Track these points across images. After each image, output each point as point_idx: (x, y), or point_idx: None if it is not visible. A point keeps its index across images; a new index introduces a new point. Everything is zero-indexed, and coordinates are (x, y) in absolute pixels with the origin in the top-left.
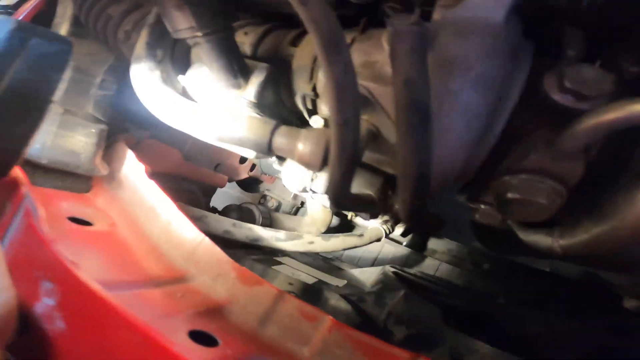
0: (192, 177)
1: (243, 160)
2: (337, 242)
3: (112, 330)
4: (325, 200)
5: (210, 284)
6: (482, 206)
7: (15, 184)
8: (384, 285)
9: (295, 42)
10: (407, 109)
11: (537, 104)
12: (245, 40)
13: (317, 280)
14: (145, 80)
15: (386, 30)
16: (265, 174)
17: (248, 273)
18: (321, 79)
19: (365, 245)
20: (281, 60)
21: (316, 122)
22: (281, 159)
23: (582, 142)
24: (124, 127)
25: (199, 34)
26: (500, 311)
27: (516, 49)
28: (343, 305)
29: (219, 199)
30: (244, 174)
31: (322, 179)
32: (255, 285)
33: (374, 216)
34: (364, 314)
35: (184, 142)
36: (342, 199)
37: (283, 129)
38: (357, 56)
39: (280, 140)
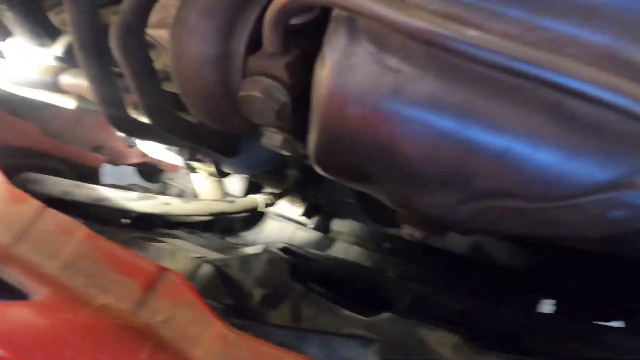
0: (58, 154)
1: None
2: (200, 205)
3: None
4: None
5: None
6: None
7: None
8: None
9: None
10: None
11: None
12: None
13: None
14: None
15: None
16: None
17: (15, 191)
18: None
19: (237, 213)
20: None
21: None
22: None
23: (275, 37)
24: None
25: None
26: (378, 281)
27: None
28: (207, 269)
29: None
30: (133, 158)
31: None
32: (20, 202)
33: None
34: (227, 278)
35: (41, 116)
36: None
37: (73, 70)
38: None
39: (66, 79)
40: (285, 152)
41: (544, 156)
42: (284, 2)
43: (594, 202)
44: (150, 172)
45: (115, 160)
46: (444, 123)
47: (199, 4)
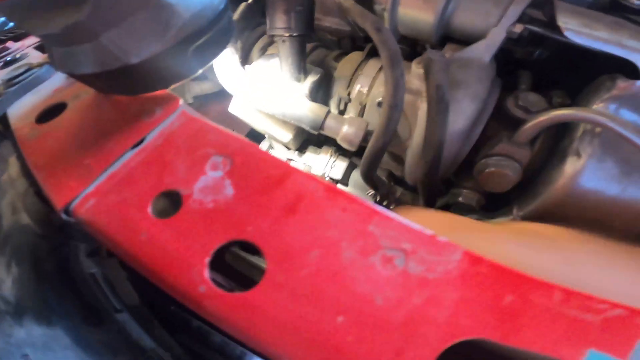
0: None
1: None
2: None
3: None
4: None
5: None
6: (464, 190)
7: (171, 96)
8: None
9: (337, 59)
10: (437, 101)
11: (502, 116)
12: None
13: None
14: (228, 61)
15: (415, 59)
16: None
17: None
18: (356, 87)
19: None
20: (325, 70)
21: None
22: (301, 151)
23: (527, 136)
24: None
25: (287, 34)
26: None
27: (493, 80)
28: None
29: None
30: None
31: (339, 167)
32: None
33: (381, 197)
34: None
35: None
36: (372, 172)
37: (333, 114)
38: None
39: (330, 122)
40: (471, 209)
41: None
42: (561, 115)
43: None
44: None
45: None
46: None
47: (471, 91)
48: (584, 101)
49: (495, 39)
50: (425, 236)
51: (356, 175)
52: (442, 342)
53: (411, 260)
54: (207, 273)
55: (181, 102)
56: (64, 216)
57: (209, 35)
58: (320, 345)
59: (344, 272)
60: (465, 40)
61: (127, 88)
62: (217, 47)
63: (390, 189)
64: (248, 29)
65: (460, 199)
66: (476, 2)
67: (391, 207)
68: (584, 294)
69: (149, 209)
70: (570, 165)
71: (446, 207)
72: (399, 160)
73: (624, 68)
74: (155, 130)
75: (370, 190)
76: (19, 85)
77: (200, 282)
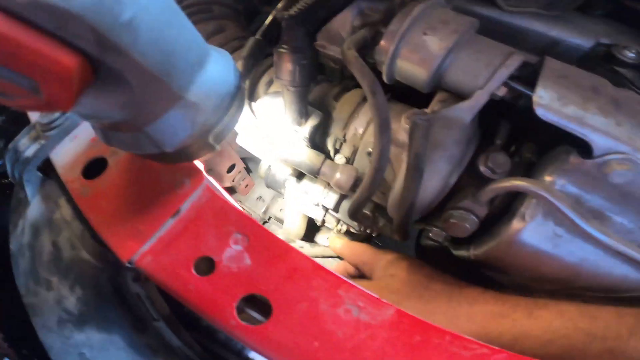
0: None
1: (230, 169)
2: (324, 250)
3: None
4: (319, 215)
5: None
6: (434, 228)
7: (196, 169)
8: None
9: (337, 97)
10: (414, 169)
11: (473, 172)
12: None
13: None
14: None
15: (405, 114)
16: (268, 187)
17: None
18: (351, 129)
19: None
20: (324, 108)
21: (340, 159)
22: (299, 177)
23: (487, 196)
24: None
25: (292, 86)
26: None
27: (471, 139)
28: None
29: None
30: (227, 183)
31: (332, 197)
32: None
33: (366, 227)
34: None
35: None
36: (358, 212)
37: (328, 162)
38: None
39: (326, 169)
40: (440, 244)
41: None
42: (514, 185)
43: None
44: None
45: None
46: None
47: (448, 153)
48: (541, 167)
49: (478, 100)
50: (373, 298)
51: (346, 205)
52: None
53: (362, 312)
54: (235, 313)
55: (204, 175)
56: (127, 265)
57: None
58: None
59: (320, 316)
60: (456, 93)
61: (161, 161)
62: (235, 123)
63: (373, 221)
64: (256, 65)
65: (430, 234)
66: (469, 63)
67: (373, 235)
68: (465, 337)
69: (192, 269)
70: (516, 224)
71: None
72: (385, 195)
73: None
74: (187, 202)
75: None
76: (58, 129)
77: (231, 318)
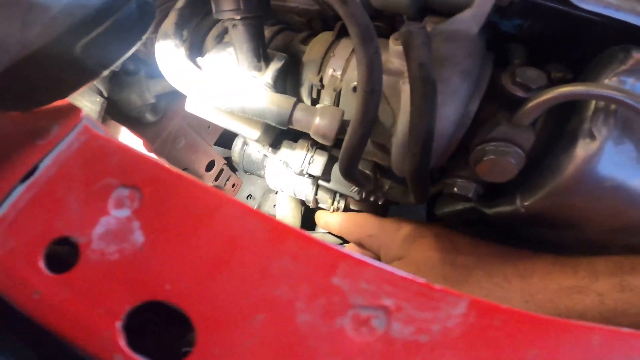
0: None
1: (209, 167)
2: (317, 237)
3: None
4: (308, 191)
5: None
6: (459, 180)
7: (71, 109)
8: None
9: (305, 42)
10: (422, 82)
11: (497, 95)
12: None
13: None
14: (171, 55)
15: (393, 35)
16: (247, 172)
17: None
18: (328, 72)
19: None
20: (291, 55)
21: None
22: (276, 147)
23: (529, 117)
24: None
25: (238, 17)
26: None
27: (484, 55)
28: None
29: None
30: (208, 182)
31: (318, 161)
32: None
33: (368, 193)
34: None
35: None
36: (353, 166)
37: (302, 105)
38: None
39: (299, 114)
40: (467, 200)
41: None
42: (571, 92)
43: None
44: None
45: None
46: None
47: (460, 67)
48: (590, 76)
49: (483, 7)
50: (415, 285)
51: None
52: None
53: (395, 320)
54: (121, 340)
55: (83, 114)
56: None
57: (104, 27)
58: None
59: (302, 342)
60: (448, 11)
61: (14, 102)
62: (123, 40)
63: (377, 182)
64: (196, 16)
65: (455, 189)
66: None
67: (380, 202)
68: (633, 332)
69: (40, 262)
70: (583, 149)
71: (438, 196)
72: (384, 149)
73: (633, 39)
74: (50, 154)
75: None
76: None
77: (113, 350)
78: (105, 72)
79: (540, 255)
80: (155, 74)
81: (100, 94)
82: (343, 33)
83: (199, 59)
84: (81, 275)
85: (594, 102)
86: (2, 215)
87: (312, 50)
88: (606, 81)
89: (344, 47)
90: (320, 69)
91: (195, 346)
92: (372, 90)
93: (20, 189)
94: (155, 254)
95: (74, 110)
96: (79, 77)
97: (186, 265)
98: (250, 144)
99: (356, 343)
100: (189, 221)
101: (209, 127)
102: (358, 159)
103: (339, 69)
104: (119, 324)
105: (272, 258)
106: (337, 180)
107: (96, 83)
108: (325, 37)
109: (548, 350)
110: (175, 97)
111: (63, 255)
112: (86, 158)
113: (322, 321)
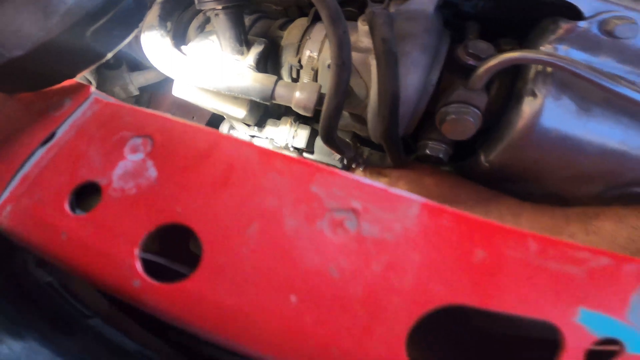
0: None
1: None
2: None
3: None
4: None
5: None
6: (430, 142)
7: (81, 85)
8: None
9: (283, 28)
10: (385, 54)
11: (455, 66)
12: None
13: None
14: (158, 44)
15: (360, 17)
16: None
17: None
18: (305, 53)
19: None
20: (270, 40)
21: None
22: (261, 126)
23: (481, 81)
24: None
25: (220, 6)
26: None
27: (441, 31)
28: None
29: None
30: None
31: (302, 134)
32: None
33: (349, 160)
34: None
35: None
36: (331, 133)
37: (282, 81)
38: None
39: (281, 89)
40: (440, 161)
41: None
42: (510, 57)
43: None
44: None
45: None
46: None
47: (419, 41)
48: (530, 45)
49: None
50: (376, 190)
51: (321, 142)
52: (412, 314)
53: (364, 220)
54: (138, 265)
55: (92, 89)
56: None
57: (108, 17)
58: (277, 331)
59: (289, 243)
60: None
61: (27, 83)
62: (123, 28)
63: (357, 150)
64: (177, 10)
65: (427, 151)
66: None
67: (361, 169)
68: (561, 241)
69: (66, 206)
70: (528, 105)
71: (417, 160)
72: (362, 120)
73: (565, 12)
74: (65, 122)
75: (337, 154)
76: None
77: (132, 276)
78: (109, 55)
79: (524, 202)
80: (137, 67)
81: (90, 84)
82: (317, 18)
83: (183, 47)
84: (104, 212)
85: (534, 66)
86: (26, 173)
87: (290, 35)
88: (542, 48)
89: (319, 31)
90: (298, 51)
91: (202, 258)
92: (343, 63)
93: (41, 151)
94: (167, 183)
95: (83, 86)
96: (88, 58)
97: (193, 190)
98: (237, 127)
99: (334, 242)
100: (194, 155)
101: (193, 117)
102: (336, 124)
103: (315, 50)
104: (137, 251)
105: (262, 176)
106: (320, 152)
107: (87, 75)
108: (301, 22)
109: (491, 250)
110: (158, 89)
111: (88, 202)
112: (101, 121)
113: (306, 224)
